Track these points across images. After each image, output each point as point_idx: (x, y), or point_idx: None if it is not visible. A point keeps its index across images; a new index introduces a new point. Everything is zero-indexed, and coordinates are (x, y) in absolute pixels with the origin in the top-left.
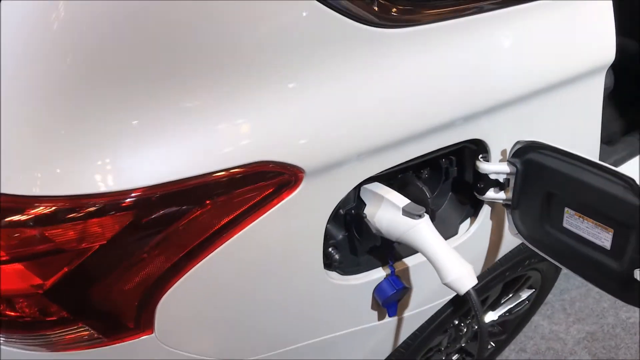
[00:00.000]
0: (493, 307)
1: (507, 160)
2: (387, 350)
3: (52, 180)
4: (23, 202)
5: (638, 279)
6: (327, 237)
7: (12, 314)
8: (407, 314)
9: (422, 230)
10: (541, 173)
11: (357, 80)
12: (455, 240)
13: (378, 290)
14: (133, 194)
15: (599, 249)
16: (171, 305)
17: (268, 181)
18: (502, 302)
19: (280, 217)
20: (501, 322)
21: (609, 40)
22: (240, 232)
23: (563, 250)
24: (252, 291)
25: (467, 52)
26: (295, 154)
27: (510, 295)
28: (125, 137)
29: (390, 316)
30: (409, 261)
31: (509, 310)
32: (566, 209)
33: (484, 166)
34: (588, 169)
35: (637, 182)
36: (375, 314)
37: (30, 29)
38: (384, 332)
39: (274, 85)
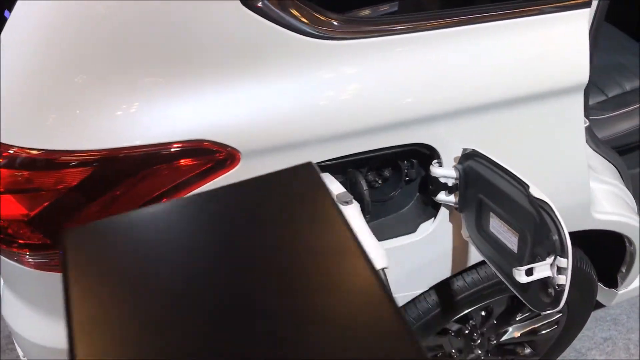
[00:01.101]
0: (508, 321)
1: (454, 166)
2: None
3: (38, 135)
4: (17, 151)
5: (516, 277)
6: None
7: (10, 232)
8: None
9: (348, 215)
10: (476, 180)
11: (295, 78)
12: (411, 237)
13: None
14: (92, 154)
15: (511, 253)
16: None
17: (206, 156)
18: (519, 318)
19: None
20: (530, 341)
21: (581, 61)
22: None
23: (490, 254)
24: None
25: (412, 64)
26: (231, 136)
27: (528, 313)
28: (92, 107)
29: None
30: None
31: (534, 330)
32: (491, 214)
33: (434, 170)
34: (503, 176)
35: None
36: None
37: None
38: None
39: (213, 75)
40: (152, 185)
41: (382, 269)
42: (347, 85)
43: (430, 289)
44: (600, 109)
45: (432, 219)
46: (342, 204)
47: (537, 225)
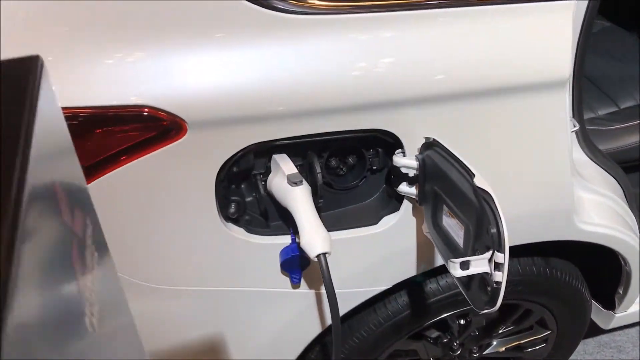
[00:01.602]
0: (490, 333)
1: (415, 155)
2: (312, 329)
3: None
4: None
5: (450, 270)
6: (230, 193)
7: None
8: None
9: (296, 196)
10: (433, 171)
11: (253, 50)
12: (372, 229)
13: (280, 254)
14: None
15: (457, 248)
16: None
17: (148, 124)
18: (502, 331)
19: (165, 160)
20: (516, 358)
21: (562, 56)
22: (123, 167)
23: (442, 250)
24: (142, 221)
25: (376, 45)
26: (177, 104)
27: (511, 327)
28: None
29: (293, 282)
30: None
31: (520, 346)
32: (444, 207)
33: (396, 159)
34: (454, 165)
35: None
36: (281, 280)
37: None
38: (297, 304)
39: (163, 40)
40: (89, 151)
41: (324, 254)
42: (306, 62)
43: (402, 290)
44: (609, 119)
45: (396, 212)
46: (292, 185)
47: (478, 217)
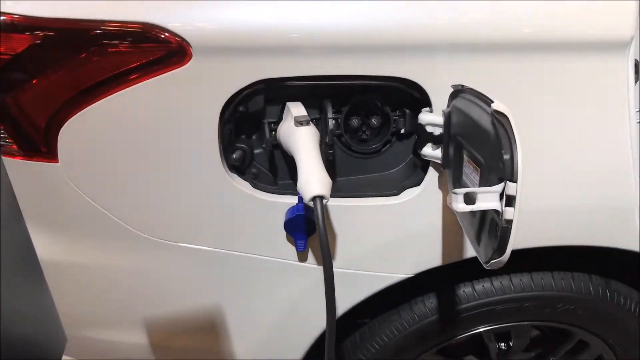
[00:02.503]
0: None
1: (442, 110)
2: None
3: None
4: None
5: (452, 204)
6: (237, 140)
7: None
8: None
9: (299, 136)
10: (458, 120)
11: None
12: (393, 199)
13: (285, 214)
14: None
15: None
16: (70, 137)
17: (154, 44)
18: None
19: (165, 88)
20: None
21: (625, 13)
22: (129, 88)
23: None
24: (142, 150)
25: None
26: (184, 29)
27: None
28: None
29: (297, 249)
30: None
31: None
32: (464, 156)
33: (421, 116)
34: (477, 103)
35: None
36: (286, 248)
37: None
38: (303, 281)
39: None
40: (93, 68)
41: (320, 197)
42: None
43: (431, 292)
44: None
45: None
46: (297, 125)
47: (492, 145)
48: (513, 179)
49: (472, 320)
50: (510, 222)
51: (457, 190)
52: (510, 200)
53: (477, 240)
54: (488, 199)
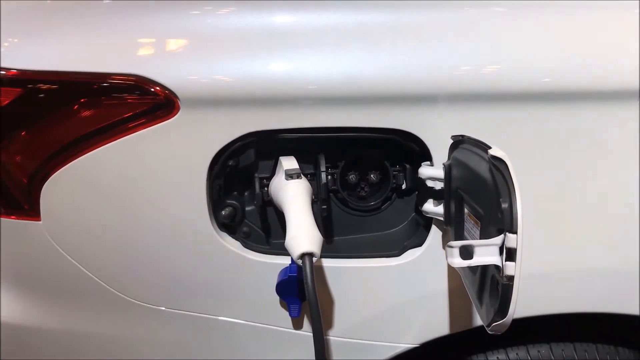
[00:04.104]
0: None
1: (442, 164)
2: None
3: None
4: None
5: (447, 258)
6: (227, 197)
7: None
8: (331, 336)
9: (289, 189)
10: (458, 173)
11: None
12: (394, 260)
13: (278, 275)
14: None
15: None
16: (53, 194)
17: (142, 96)
18: None
19: (155, 139)
20: None
21: (631, 60)
22: (114, 142)
23: (464, 272)
24: (126, 207)
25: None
26: (171, 79)
27: None
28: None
29: (291, 315)
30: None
31: None
32: (465, 209)
33: (421, 170)
34: (476, 152)
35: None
36: (280, 315)
37: None
38: (298, 351)
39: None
40: (78, 121)
41: (309, 255)
42: (317, 43)
43: None
44: None
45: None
46: (287, 178)
47: (490, 194)
48: (513, 230)
49: None
50: (511, 278)
51: (453, 243)
52: (511, 254)
53: (479, 301)
54: (486, 253)
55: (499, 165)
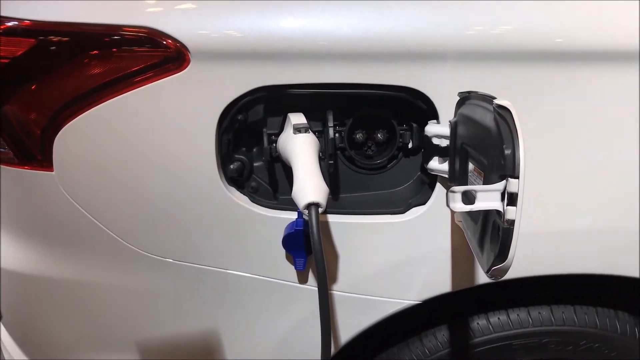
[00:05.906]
0: None
1: (448, 121)
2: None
3: None
4: None
5: (449, 203)
6: (236, 151)
7: None
8: (335, 290)
9: (297, 143)
10: (463, 128)
11: None
12: (398, 217)
13: (284, 230)
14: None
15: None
16: (65, 145)
17: (153, 49)
18: None
19: (165, 92)
20: None
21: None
22: (124, 95)
23: (467, 225)
24: (136, 159)
25: None
26: (183, 34)
27: None
28: None
29: (296, 268)
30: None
31: None
32: (470, 166)
33: (427, 128)
34: (482, 105)
35: None
36: (286, 268)
37: None
38: (303, 306)
39: None
40: (90, 73)
41: (315, 205)
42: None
43: (443, 324)
44: None
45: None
46: (295, 132)
47: (494, 143)
48: (515, 175)
49: (487, 356)
50: (512, 222)
51: (455, 188)
52: (512, 199)
53: (481, 248)
54: (488, 198)
55: (503, 114)
